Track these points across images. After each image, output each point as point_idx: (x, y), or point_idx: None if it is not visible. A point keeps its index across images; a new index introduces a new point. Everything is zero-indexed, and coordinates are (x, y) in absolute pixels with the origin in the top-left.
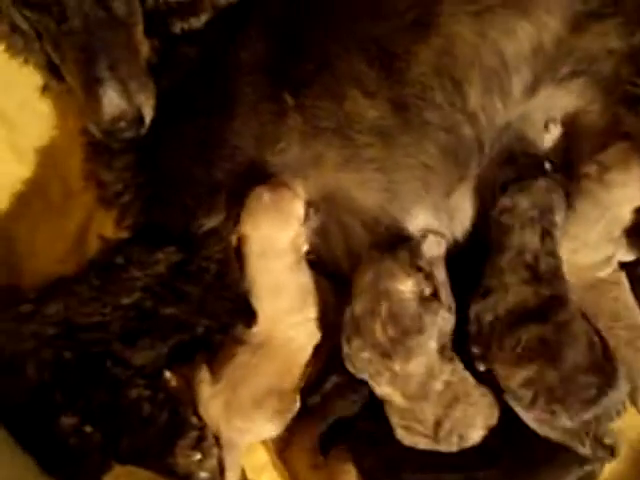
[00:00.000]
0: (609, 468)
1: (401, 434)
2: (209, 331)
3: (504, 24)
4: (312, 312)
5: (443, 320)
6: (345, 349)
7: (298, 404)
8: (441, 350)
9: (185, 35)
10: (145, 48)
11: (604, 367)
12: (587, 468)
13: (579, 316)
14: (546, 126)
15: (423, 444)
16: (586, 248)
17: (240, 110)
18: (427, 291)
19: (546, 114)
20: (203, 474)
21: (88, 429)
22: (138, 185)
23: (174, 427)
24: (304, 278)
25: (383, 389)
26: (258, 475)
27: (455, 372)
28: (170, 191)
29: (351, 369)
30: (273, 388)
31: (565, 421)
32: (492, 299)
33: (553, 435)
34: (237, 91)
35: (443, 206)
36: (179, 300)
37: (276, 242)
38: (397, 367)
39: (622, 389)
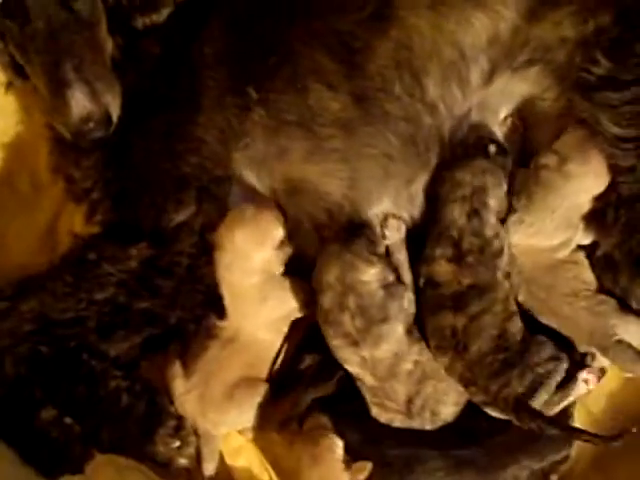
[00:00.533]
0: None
1: (376, 412)
2: (182, 322)
3: (460, 16)
4: (278, 313)
5: (408, 302)
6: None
7: (267, 392)
8: (408, 331)
9: (147, 30)
10: (109, 46)
11: (511, 346)
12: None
13: (496, 306)
14: (504, 118)
15: (398, 421)
16: (542, 234)
17: (205, 104)
18: (391, 277)
19: (503, 102)
20: (182, 460)
21: (68, 421)
22: (107, 181)
23: (153, 416)
24: (271, 291)
25: (354, 370)
26: (234, 459)
27: (423, 350)
28: (139, 187)
29: None
30: (243, 379)
31: (481, 396)
32: (424, 269)
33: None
34: (201, 85)
35: (405, 193)
36: (152, 294)
37: (247, 260)
38: (366, 354)
39: (537, 359)
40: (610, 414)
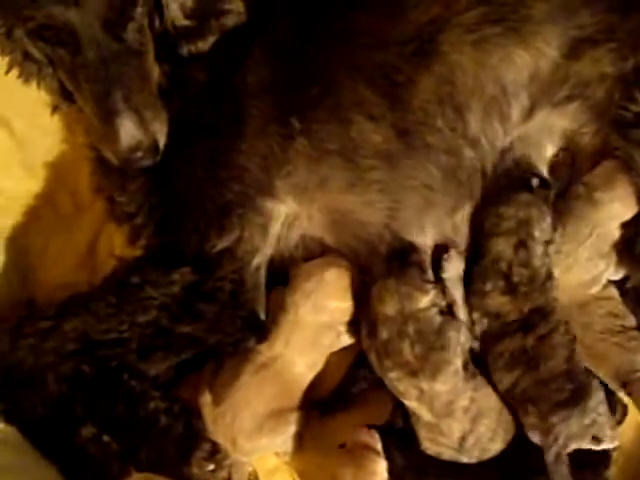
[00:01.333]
0: None
1: (426, 445)
2: (221, 344)
3: (502, 53)
4: (322, 357)
5: (464, 337)
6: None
7: (297, 422)
8: (464, 367)
9: (193, 57)
10: (156, 73)
11: (579, 377)
12: None
13: (561, 327)
14: (555, 152)
15: (447, 455)
16: (578, 265)
17: (248, 132)
18: (443, 303)
19: (544, 137)
20: None
21: (106, 438)
22: (151, 206)
23: (189, 438)
24: (325, 339)
25: (412, 404)
26: (270, 478)
27: (478, 387)
28: (182, 212)
29: None
30: (273, 410)
31: (534, 420)
32: (476, 302)
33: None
34: (245, 114)
35: (448, 223)
36: (195, 319)
37: (327, 299)
38: (425, 385)
39: (595, 404)
40: (638, 445)
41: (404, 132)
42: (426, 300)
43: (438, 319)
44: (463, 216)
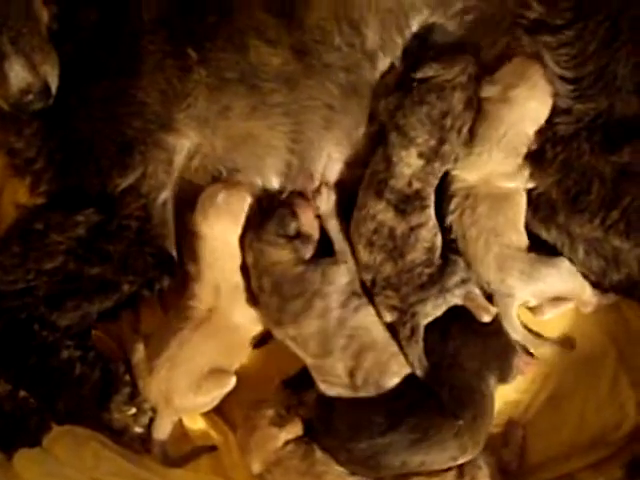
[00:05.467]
0: None
1: (323, 387)
2: (135, 286)
3: None
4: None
5: (344, 272)
6: None
7: (234, 382)
8: (344, 304)
9: None
10: (45, 16)
11: (436, 263)
12: None
13: (430, 222)
14: None
15: (346, 394)
16: (493, 162)
17: (145, 68)
18: (308, 254)
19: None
20: (137, 429)
21: (22, 394)
22: (50, 150)
23: (107, 384)
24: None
25: (295, 350)
26: (193, 423)
27: (359, 323)
28: (83, 154)
29: None
30: (212, 370)
31: (394, 302)
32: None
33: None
34: (141, 50)
35: (346, 142)
36: (102, 260)
37: (228, 245)
38: (292, 332)
39: (452, 284)
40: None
41: (302, 52)
42: (281, 255)
43: (297, 269)
44: (361, 131)
